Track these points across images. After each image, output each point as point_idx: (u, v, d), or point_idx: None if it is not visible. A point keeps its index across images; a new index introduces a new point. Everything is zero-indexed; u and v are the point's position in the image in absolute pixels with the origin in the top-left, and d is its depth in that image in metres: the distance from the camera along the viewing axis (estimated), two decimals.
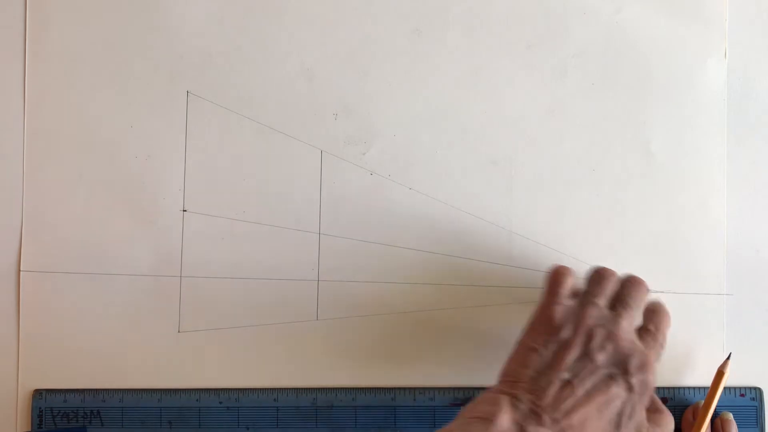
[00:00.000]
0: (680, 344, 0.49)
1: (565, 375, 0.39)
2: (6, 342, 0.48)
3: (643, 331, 0.42)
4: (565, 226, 0.50)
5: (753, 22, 0.51)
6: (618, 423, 0.38)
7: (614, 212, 0.50)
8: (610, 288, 0.42)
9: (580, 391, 0.38)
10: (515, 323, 0.49)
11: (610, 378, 0.39)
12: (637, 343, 0.40)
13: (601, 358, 0.39)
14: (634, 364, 0.39)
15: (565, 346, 0.40)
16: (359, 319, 0.49)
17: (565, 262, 0.49)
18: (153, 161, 0.49)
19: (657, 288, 0.49)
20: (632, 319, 0.41)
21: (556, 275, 0.43)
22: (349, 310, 0.49)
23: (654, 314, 0.43)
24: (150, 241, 0.49)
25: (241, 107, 0.49)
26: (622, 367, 0.39)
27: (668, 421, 0.43)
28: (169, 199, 0.49)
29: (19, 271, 0.49)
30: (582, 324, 0.40)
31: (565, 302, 0.42)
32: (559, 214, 0.50)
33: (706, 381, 0.49)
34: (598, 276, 0.43)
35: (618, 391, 0.39)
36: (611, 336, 0.40)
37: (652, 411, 0.43)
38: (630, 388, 0.39)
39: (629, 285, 0.43)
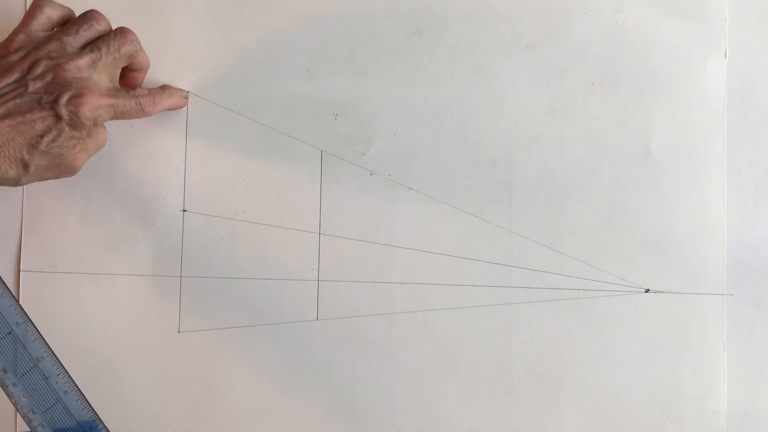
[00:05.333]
0: (680, 344, 0.49)
1: None
2: None
3: (128, 88, 0.45)
4: (565, 226, 0.50)
5: (753, 22, 0.51)
6: (37, 143, 0.41)
7: (614, 212, 0.50)
8: (91, 31, 0.44)
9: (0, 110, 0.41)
10: (515, 323, 0.49)
11: (37, 103, 0.42)
12: (85, 80, 0.43)
13: (36, 86, 0.42)
14: (67, 95, 0.42)
15: (4, 70, 0.42)
16: (359, 319, 0.49)
17: (565, 262, 0.49)
18: (153, 161, 0.49)
19: (657, 288, 0.49)
20: (95, 61, 0.43)
21: (33, 6, 0.44)
22: (349, 310, 0.49)
23: (157, 88, 0.47)
24: (150, 241, 0.49)
25: (241, 107, 0.49)
26: (54, 97, 0.42)
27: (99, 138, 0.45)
28: (169, 199, 0.49)
29: (19, 271, 0.49)
30: (33, 54, 0.43)
31: (36, 33, 0.44)
32: (559, 214, 0.50)
33: (706, 381, 0.49)
34: (84, 18, 0.44)
35: (41, 115, 0.41)
36: (57, 68, 0.42)
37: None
38: (58, 116, 0.42)
39: (112, 32, 0.44)
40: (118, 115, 0.44)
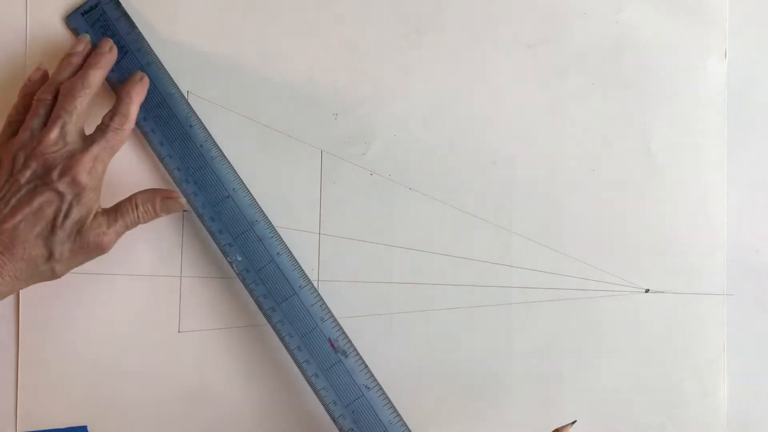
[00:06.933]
0: (680, 344, 0.49)
1: None
2: (5, 342, 0.48)
3: (97, 126, 0.45)
4: (565, 226, 0.50)
5: (753, 22, 0.51)
6: (53, 226, 0.43)
7: (614, 212, 0.50)
8: (43, 107, 0.45)
9: (5, 209, 0.42)
10: (515, 323, 0.49)
11: (34, 190, 0.42)
12: (63, 150, 0.43)
13: (25, 176, 0.43)
14: (56, 172, 0.43)
15: None
16: (359, 319, 0.49)
17: (565, 262, 0.49)
18: (153, 161, 0.49)
19: (657, 288, 0.49)
20: (63, 127, 0.44)
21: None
22: (349, 310, 0.49)
23: (116, 101, 0.46)
24: (150, 241, 0.49)
25: (241, 107, 0.49)
26: (46, 179, 0.43)
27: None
28: None
29: None
30: (9, 151, 0.44)
31: (4, 137, 0.45)
32: (559, 214, 0.50)
33: (706, 381, 0.49)
34: (36, 100, 0.45)
35: (45, 199, 0.42)
36: (34, 154, 0.43)
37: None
38: (60, 193, 0.43)
39: (60, 95, 0.45)
40: (110, 153, 0.45)
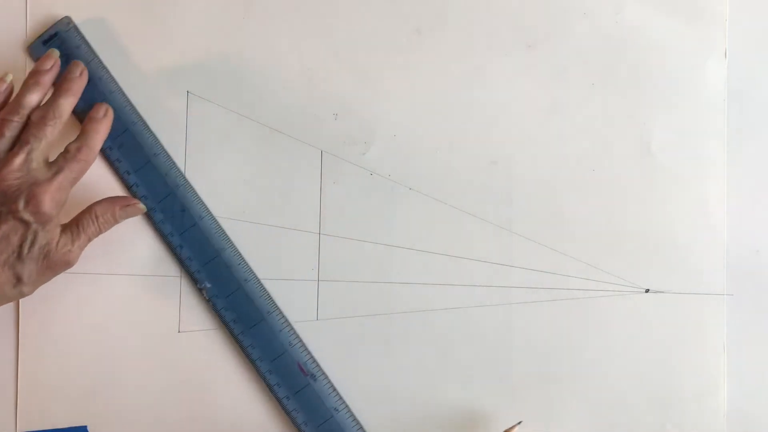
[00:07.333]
0: (680, 344, 0.49)
1: None
2: (5, 342, 0.48)
3: (60, 154, 0.45)
4: (565, 226, 0.50)
5: (753, 22, 0.51)
6: (20, 254, 0.43)
7: (614, 212, 0.50)
8: (9, 129, 0.44)
9: None
10: (515, 323, 0.49)
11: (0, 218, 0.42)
12: (27, 177, 0.43)
13: None
14: (22, 201, 0.42)
15: None
16: (359, 319, 0.49)
17: (565, 262, 0.49)
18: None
19: (657, 288, 0.49)
20: (29, 153, 0.43)
21: None
22: (349, 310, 0.49)
23: (81, 133, 0.45)
24: (150, 241, 0.49)
25: (241, 107, 0.49)
26: (10, 207, 0.42)
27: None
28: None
29: None
30: None
31: None
32: (559, 214, 0.50)
33: (706, 381, 0.49)
34: (1, 120, 0.44)
35: (9, 228, 0.42)
36: None
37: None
38: (25, 222, 0.43)
39: (32, 119, 0.44)
40: (72, 183, 0.44)
